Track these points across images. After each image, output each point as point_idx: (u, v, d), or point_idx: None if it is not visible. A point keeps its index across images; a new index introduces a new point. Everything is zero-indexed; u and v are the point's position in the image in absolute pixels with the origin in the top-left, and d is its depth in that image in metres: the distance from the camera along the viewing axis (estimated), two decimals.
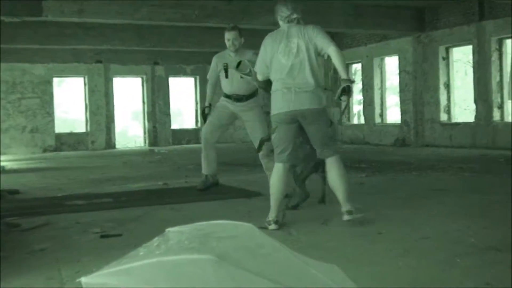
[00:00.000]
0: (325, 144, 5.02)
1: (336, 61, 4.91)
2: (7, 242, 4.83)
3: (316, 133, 5.01)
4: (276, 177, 5.09)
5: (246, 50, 6.97)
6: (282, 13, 5.06)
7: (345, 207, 4.93)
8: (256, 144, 6.77)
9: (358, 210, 4.98)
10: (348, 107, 15.80)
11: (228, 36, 6.91)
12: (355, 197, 6.68)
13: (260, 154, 6.73)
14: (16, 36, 15.45)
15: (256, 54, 6.76)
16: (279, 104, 5.00)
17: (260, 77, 5.26)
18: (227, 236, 1.82)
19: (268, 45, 5.07)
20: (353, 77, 5.49)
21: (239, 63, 6.22)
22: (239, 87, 6.91)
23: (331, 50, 4.89)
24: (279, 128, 5.04)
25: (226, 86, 7.04)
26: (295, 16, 5.03)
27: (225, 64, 6.94)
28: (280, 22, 5.10)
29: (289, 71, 4.92)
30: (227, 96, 7.04)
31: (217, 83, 7.27)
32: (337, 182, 4.97)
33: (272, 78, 5.08)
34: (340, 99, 5.00)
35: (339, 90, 4.93)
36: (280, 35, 5.03)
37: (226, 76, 6.97)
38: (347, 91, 4.90)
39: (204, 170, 7.29)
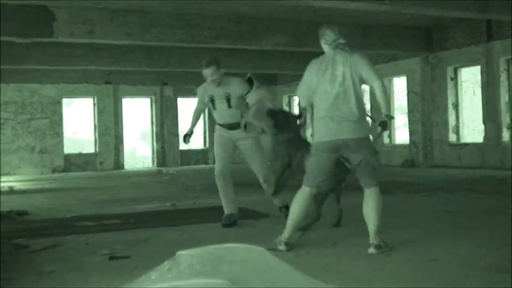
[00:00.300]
0: (369, 175, 4.89)
1: (379, 96, 4.85)
2: (16, 263, 4.84)
3: (357, 160, 4.87)
4: (299, 199, 5.01)
5: (231, 80, 6.61)
6: (328, 37, 4.96)
7: (374, 240, 4.81)
8: (261, 178, 6.66)
9: (386, 245, 4.85)
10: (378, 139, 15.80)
11: (205, 73, 6.48)
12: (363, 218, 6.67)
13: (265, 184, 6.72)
14: (26, 57, 15.60)
15: (244, 81, 6.58)
16: (321, 133, 4.92)
17: (303, 103, 5.19)
18: (239, 260, 1.81)
19: (313, 71, 4.97)
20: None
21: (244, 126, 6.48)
22: (230, 117, 6.63)
23: (376, 85, 4.80)
24: (316, 155, 4.95)
25: (217, 116, 6.76)
26: (342, 41, 4.93)
27: (211, 96, 6.61)
28: (325, 47, 5.00)
29: (334, 100, 4.82)
30: (221, 125, 6.77)
31: (203, 112, 7.18)
32: (371, 214, 4.85)
33: (316, 105, 5.00)
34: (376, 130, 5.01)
35: (378, 122, 4.91)
36: (325, 62, 4.93)
37: (214, 108, 6.67)
38: (384, 126, 4.89)
39: (228, 210, 6.69)
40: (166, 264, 1.85)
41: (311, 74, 4.98)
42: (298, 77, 21.09)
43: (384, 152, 17.89)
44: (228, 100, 6.53)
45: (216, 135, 6.85)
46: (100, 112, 21.44)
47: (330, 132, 4.84)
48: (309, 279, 1.86)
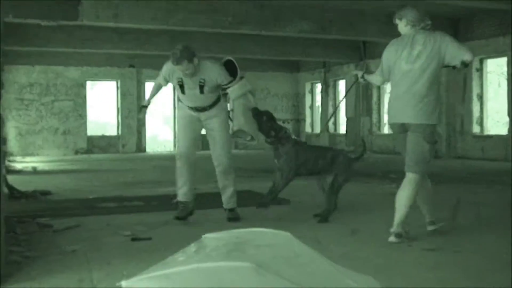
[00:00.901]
0: (414, 159, 4.83)
1: (467, 60, 4.75)
2: (39, 242, 4.89)
3: (411, 143, 4.84)
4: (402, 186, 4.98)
5: (208, 66, 5.70)
6: (413, 18, 4.87)
7: (396, 228, 4.77)
8: (216, 163, 5.96)
9: (408, 235, 4.82)
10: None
11: (178, 69, 5.61)
12: (386, 208, 6.63)
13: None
14: (51, 39, 15.71)
15: (224, 69, 5.75)
16: (391, 113, 4.98)
17: (379, 81, 5.23)
18: (265, 245, 1.80)
19: (392, 49, 4.95)
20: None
21: (233, 134, 5.85)
22: (200, 102, 5.80)
23: (467, 57, 4.70)
24: (396, 138, 5.06)
25: (185, 100, 5.90)
26: (428, 22, 4.90)
27: (180, 80, 5.72)
28: (406, 28, 4.91)
29: (405, 76, 4.81)
30: (187, 106, 5.92)
31: (162, 88, 6.20)
32: (401, 202, 4.81)
33: (391, 83, 5.02)
34: (455, 67, 4.85)
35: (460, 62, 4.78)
36: (405, 42, 4.89)
37: (183, 92, 5.79)
38: (465, 65, 4.77)
39: (183, 196, 5.89)
40: (192, 246, 1.85)
41: (391, 52, 4.97)
42: (321, 64, 21.12)
43: None
44: (201, 87, 5.68)
45: (180, 113, 6.05)
46: (123, 95, 21.54)
47: (397, 115, 4.89)
48: (335, 266, 1.85)
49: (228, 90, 5.76)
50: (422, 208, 5.09)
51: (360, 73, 5.38)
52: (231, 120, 5.86)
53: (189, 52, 5.51)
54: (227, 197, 6.06)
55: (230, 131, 5.85)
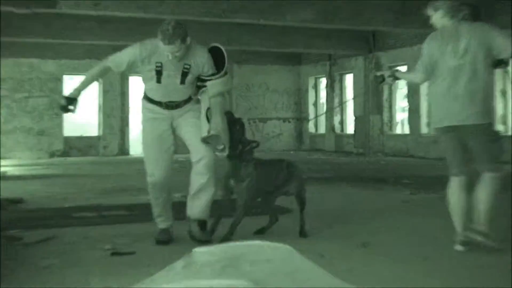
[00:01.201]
0: (487, 160, 4.92)
1: None
2: (9, 258, 4.84)
3: (476, 148, 4.93)
4: (455, 193, 5.08)
5: (197, 50, 5.36)
6: (450, 8, 4.93)
7: (480, 227, 4.86)
8: (198, 157, 5.48)
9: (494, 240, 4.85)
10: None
11: (167, 50, 5.16)
12: (398, 217, 6.63)
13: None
14: (26, 29, 15.62)
15: (211, 57, 5.40)
16: (440, 114, 5.01)
17: (422, 79, 5.21)
18: (263, 260, 1.77)
19: (435, 44, 4.97)
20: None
21: (207, 137, 5.28)
22: (176, 95, 5.39)
23: None
24: (443, 138, 5.07)
25: (156, 91, 5.38)
26: (466, 11, 4.95)
27: (159, 65, 5.26)
28: (444, 19, 4.95)
29: (455, 73, 4.85)
30: (156, 102, 5.42)
31: (107, 73, 5.62)
32: (477, 203, 4.92)
33: (435, 81, 5.03)
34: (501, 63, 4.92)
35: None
36: (447, 35, 4.92)
37: (158, 81, 5.29)
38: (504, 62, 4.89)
39: (162, 223, 5.63)
40: (181, 262, 1.82)
41: (433, 47, 4.99)
42: (326, 57, 21.06)
43: (421, 143, 17.72)
44: (185, 74, 5.28)
45: (146, 120, 5.52)
46: (105, 91, 21.44)
47: (450, 115, 4.90)
48: (341, 282, 1.82)
49: (207, 83, 5.33)
50: (455, 219, 5.05)
51: (387, 73, 5.42)
52: (208, 120, 5.30)
53: (182, 30, 5.17)
54: (201, 204, 5.57)
55: (206, 133, 5.27)
